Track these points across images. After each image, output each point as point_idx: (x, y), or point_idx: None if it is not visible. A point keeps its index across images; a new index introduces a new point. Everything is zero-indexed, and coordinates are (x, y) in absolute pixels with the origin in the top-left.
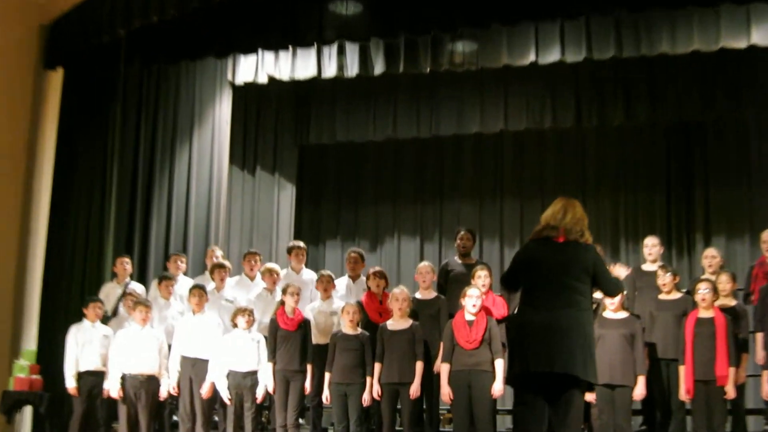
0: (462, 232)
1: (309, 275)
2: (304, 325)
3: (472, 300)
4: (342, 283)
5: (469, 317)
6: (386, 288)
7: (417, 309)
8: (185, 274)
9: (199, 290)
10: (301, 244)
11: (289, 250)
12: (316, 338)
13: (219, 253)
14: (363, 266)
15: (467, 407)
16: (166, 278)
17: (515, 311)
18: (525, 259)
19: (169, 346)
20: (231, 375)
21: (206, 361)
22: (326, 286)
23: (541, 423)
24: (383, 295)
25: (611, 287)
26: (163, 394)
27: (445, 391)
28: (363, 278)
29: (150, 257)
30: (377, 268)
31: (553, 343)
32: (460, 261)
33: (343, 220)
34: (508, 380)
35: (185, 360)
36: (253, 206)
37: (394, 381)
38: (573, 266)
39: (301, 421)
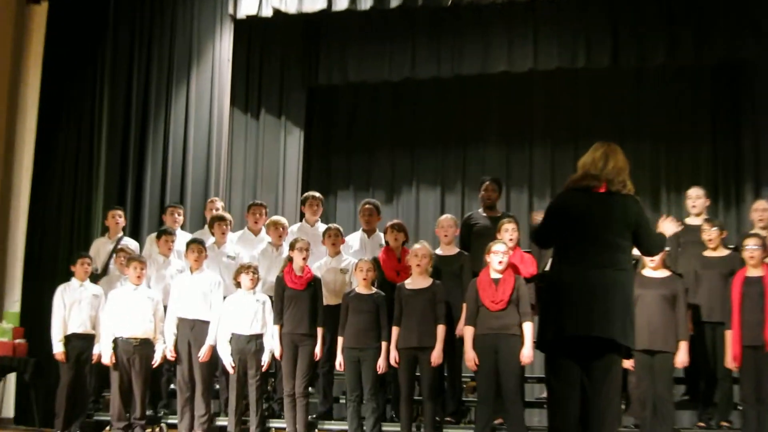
0: (487, 182)
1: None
2: (314, 284)
3: (498, 256)
4: (356, 238)
5: (494, 275)
6: (405, 243)
7: (438, 266)
8: (182, 227)
9: (197, 245)
10: (317, 194)
11: (303, 201)
12: (327, 299)
13: (219, 204)
14: (378, 219)
15: (493, 375)
16: (166, 233)
17: (546, 269)
18: (561, 211)
19: (166, 308)
20: (233, 339)
21: (206, 323)
22: (334, 240)
23: (575, 393)
24: (402, 251)
25: (653, 245)
26: (158, 359)
27: (469, 357)
28: (379, 233)
29: (144, 210)
30: (396, 221)
31: (592, 304)
32: (484, 213)
33: (356, 169)
34: (539, 345)
35: (183, 322)
36: (257, 153)
37: (412, 346)
38: (614, 220)
39: (310, 389)
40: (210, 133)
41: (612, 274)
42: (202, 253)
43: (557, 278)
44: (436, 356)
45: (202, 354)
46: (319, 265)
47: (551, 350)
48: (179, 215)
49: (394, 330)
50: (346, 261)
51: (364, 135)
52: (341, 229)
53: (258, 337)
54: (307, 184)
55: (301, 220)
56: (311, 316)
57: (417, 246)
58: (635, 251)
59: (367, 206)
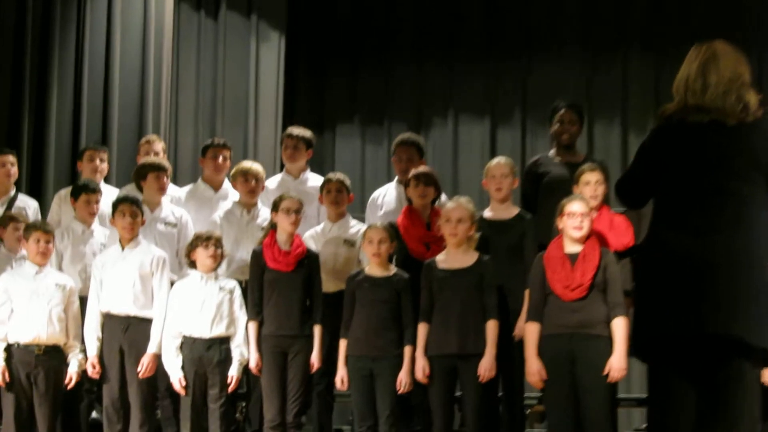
0: (562, 110)
1: (316, 182)
2: (308, 263)
3: (575, 220)
4: (390, 193)
5: (570, 248)
6: (436, 201)
7: (487, 235)
8: (107, 180)
9: (130, 206)
10: (306, 133)
11: (284, 141)
12: (327, 284)
13: (160, 146)
14: (422, 163)
15: (569, 395)
16: (85, 189)
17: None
18: (658, 154)
19: (84, 300)
20: (187, 344)
21: (146, 322)
22: (336, 197)
23: (688, 418)
24: (432, 212)
25: None
26: (73, 375)
27: (534, 369)
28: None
29: (48, 155)
30: (422, 169)
31: (710, 288)
32: (558, 157)
33: (365, 92)
34: (635, 350)
35: (111, 321)
36: (215, 70)
37: (450, 352)
38: (736, 162)
39: (302, 419)
40: (145, 41)
41: (739, 240)
42: (137, 217)
43: (656, 251)
44: (486, 368)
45: (141, 367)
46: (314, 234)
47: (652, 358)
48: (102, 161)
49: (422, 328)
50: (355, 228)
51: (376, 42)
52: (347, 181)
53: (223, 342)
54: (290, 116)
55: (282, 170)
56: (303, 309)
57: (452, 204)
58: None
59: (405, 142)
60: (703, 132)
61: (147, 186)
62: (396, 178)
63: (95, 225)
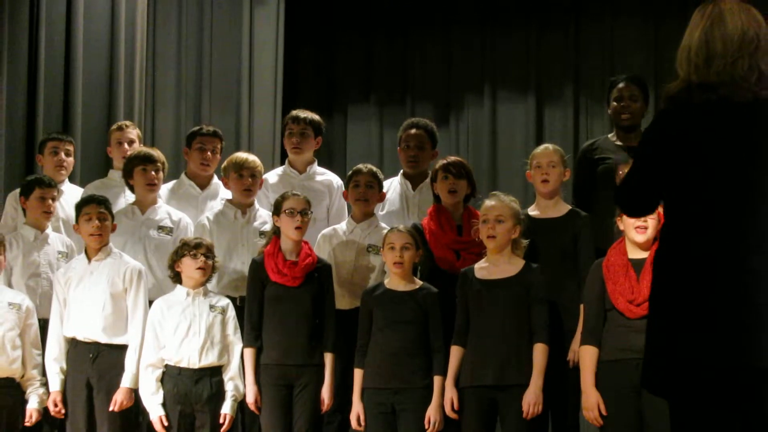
0: (621, 84)
1: (327, 177)
2: (318, 276)
3: (638, 219)
4: (394, 189)
5: (635, 254)
6: (471, 199)
7: (534, 237)
8: (71, 178)
9: (97, 208)
10: (314, 116)
11: (287, 127)
12: (339, 299)
13: (134, 133)
14: (435, 153)
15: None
16: (39, 183)
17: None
18: (661, 145)
19: (45, 323)
20: (170, 376)
21: (119, 349)
22: (365, 193)
23: None
24: (464, 212)
25: None
26: (32, 413)
27: (591, 402)
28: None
29: None
30: (451, 159)
31: (742, 311)
32: (618, 141)
33: (381, 66)
34: (648, 383)
35: (77, 348)
36: (200, 42)
37: (486, 383)
38: (763, 149)
39: None
40: (114, 7)
41: None
42: (106, 221)
43: (673, 269)
44: (531, 402)
45: (114, 405)
46: (331, 233)
47: (675, 393)
48: (68, 155)
49: (455, 353)
50: (381, 230)
51: (397, 4)
52: (380, 175)
53: (214, 373)
54: (292, 97)
55: (283, 162)
56: (312, 333)
57: (491, 201)
58: None
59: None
60: (715, 115)
61: (135, 183)
62: (401, 171)
63: (50, 232)
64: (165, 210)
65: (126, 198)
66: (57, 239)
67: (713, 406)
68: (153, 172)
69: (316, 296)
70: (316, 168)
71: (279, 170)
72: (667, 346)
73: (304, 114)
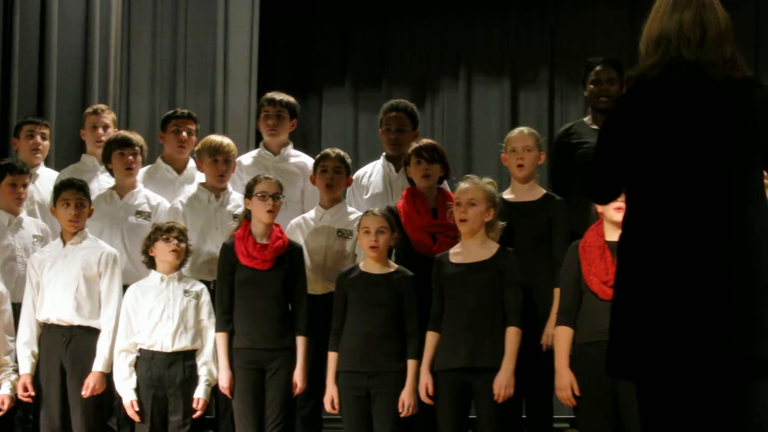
0: (598, 67)
1: (301, 159)
2: (289, 259)
3: (617, 201)
4: (378, 172)
5: (612, 236)
6: (444, 180)
7: (509, 221)
8: (46, 162)
9: (75, 194)
10: (290, 98)
11: (263, 109)
12: (312, 284)
13: (109, 118)
14: (416, 134)
15: (609, 415)
16: (10, 169)
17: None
18: (629, 129)
19: (17, 307)
20: (143, 361)
21: (92, 333)
22: (333, 179)
23: None
24: (438, 195)
25: None
26: (6, 398)
27: (565, 383)
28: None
29: None
30: (425, 141)
31: (712, 296)
32: (595, 125)
33: (357, 49)
34: (611, 368)
35: (50, 331)
36: (176, 24)
37: (461, 365)
38: (731, 133)
39: None
40: None
41: (742, 233)
42: (83, 207)
43: (635, 253)
44: (502, 384)
45: (86, 389)
46: (301, 222)
47: (641, 376)
48: (44, 138)
49: (430, 338)
50: (353, 216)
51: None
52: (347, 159)
53: (187, 357)
54: (267, 79)
55: (257, 145)
56: (284, 316)
57: (465, 184)
58: None
59: (394, 110)
60: (684, 95)
61: (113, 168)
62: (384, 153)
63: (24, 216)
64: (144, 195)
65: (99, 183)
66: (32, 223)
67: (677, 388)
68: (130, 156)
69: (286, 279)
70: (291, 150)
71: (254, 152)
72: (630, 331)
73: (279, 96)
